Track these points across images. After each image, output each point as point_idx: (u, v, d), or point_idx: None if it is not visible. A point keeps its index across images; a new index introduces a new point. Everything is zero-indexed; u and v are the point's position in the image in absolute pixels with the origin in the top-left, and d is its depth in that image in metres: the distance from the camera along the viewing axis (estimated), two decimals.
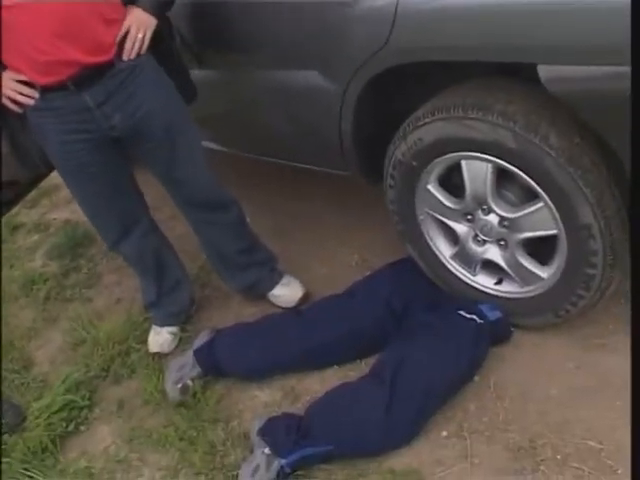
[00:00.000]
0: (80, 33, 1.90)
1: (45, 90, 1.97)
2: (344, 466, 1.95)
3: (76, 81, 1.95)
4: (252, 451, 2.05)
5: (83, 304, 3.05)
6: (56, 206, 3.91)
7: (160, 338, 2.62)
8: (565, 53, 1.53)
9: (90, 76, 1.96)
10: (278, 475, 1.92)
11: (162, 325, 2.63)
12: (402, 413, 1.93)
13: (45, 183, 3.63)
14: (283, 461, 1.93)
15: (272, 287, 2.62)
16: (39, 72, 1.93)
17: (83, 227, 3.56)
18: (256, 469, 1.92)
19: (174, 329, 2.64)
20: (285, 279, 2.63)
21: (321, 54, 2.09)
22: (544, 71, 1.59)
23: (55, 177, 3.79)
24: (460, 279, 2.22)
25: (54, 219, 3.80)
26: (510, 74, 1.89)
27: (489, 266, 2.16)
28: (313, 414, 2.03)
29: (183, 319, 2.68)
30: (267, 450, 1.95)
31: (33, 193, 3.67)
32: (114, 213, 2.34)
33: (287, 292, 2.60)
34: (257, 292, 2.66)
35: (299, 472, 1.96)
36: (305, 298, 2.59)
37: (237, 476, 2.01)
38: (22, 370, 2.79)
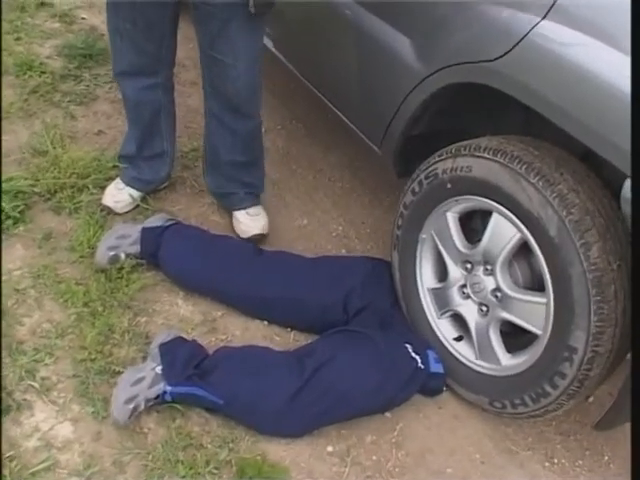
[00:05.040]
0: None
1: None
2: (222, 424, 1.85)
3: None
4: (145, 358, 1.95)
5: (65, 117, 2.86)
6: (91, 8, 3.66)
7: (118, 195, 2.46)
8: None
9: None
10: (157, 397, 1.82)
11: (127, 184, 2.47)
12: (304, 409, 1.83)
13: None
14: (168, 388, 1.82)
15: (237, 208, 2.47)
16: None
17: (106, 42, 3.33)
18: (139, 381, 1.81)
19: (137, 194, 2.48)
20: (254, 209, 2.48)
21: (425, 29, 1.96)
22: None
23: None
24: (424, 313, 2.11)
25: (82, 18, 3.57)
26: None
27: (457, 319, 2.07)
28: (220, 360, 1.91)
29: (150, 190, 2.53)
30: (159, 369, 1.84)
31: None
32: (137, 49, 2.17)
33: (247, 222, 2.45)
34: (224, 203, 2.54)
35: (177, 406, 1.85)
36: (260, 238, 2.44)
37: (117, 373, 1.91)
38: None
